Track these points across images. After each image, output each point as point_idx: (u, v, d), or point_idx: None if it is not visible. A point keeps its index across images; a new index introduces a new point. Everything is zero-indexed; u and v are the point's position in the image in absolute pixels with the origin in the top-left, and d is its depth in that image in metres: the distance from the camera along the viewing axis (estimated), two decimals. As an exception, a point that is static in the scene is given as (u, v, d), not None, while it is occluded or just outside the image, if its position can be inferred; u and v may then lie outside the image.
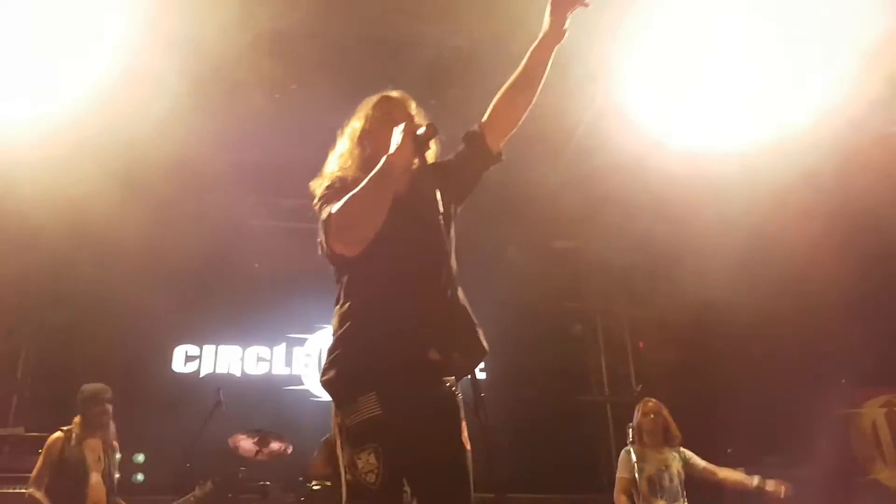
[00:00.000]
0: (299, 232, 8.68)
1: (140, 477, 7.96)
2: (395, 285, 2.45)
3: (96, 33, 5.44)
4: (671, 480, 4.62)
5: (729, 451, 6.97)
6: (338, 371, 2.38)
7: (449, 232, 2.62)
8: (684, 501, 4.63)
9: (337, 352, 2.44)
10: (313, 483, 5.59)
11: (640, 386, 9.37)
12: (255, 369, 8.86)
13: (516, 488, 8.21)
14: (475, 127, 2.81)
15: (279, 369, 8.91)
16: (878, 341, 6.81)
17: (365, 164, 2.68)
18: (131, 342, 8.44)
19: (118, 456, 5.58)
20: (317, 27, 5.98)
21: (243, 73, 6.19)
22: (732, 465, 6.84)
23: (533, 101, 2.73)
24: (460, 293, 2.39)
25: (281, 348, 8.99)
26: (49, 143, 6.28)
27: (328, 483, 5.68)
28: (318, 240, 2.70)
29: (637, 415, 4.92)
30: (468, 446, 2.42)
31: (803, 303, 7.51)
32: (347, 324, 2.46)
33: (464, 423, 2.43)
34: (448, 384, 2.43)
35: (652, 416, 4.82)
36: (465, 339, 2.32)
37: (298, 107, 6.75)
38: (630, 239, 9.59)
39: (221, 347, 8.87)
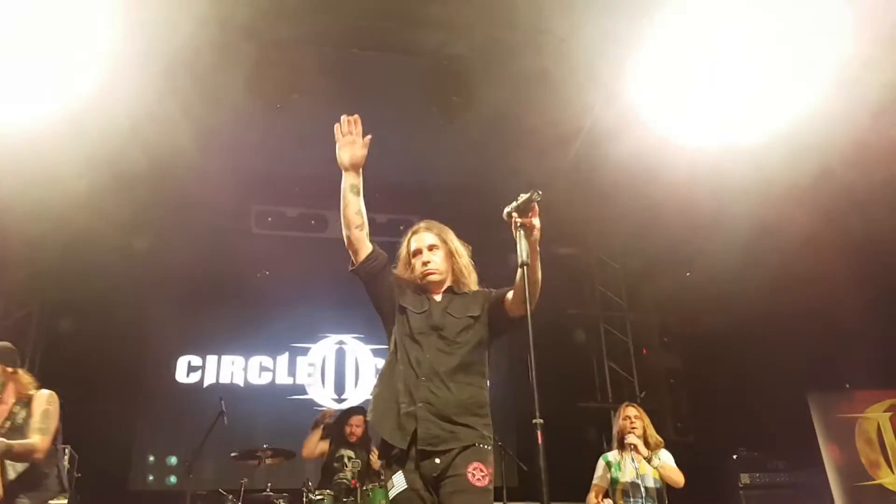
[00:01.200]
0: (303, 241, 8.73)
1: (173, 479, 7.95)
2: None
3: (88, 42, 5.44)
4: (646, 488, 4.56)
5: (734, 456, 6.97)
6: None
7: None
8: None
9: None
10: (316, 494, 5.57)
11: (644, 392, 9.35)
12: (259, 379, 8.85)
13: (519, 496, 8.19)
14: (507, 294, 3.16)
15: (282, 379, 8.91)
16: (882, 344, 6.79)
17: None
18: (135, 353, 8.46)
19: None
20: (317, 37, 6.01)
21: (246, 84, 6.22)
22: (739, 469, 6.87)
23: (537, 296, 2.99)
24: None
25: (284, 358, 8.99)
26: (47, 147, 6.27)
27: (331, 492, 5.66)
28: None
29: (617, 420, 4.87)
30: None
31: (807, 306, 7.49)
32: None
33: None
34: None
35: (631, 422, 4.77)
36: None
37: (301, 116, 6.77)
38: (632, 244, 9.61)
39: (224, 357, 8.86)
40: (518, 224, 2.74)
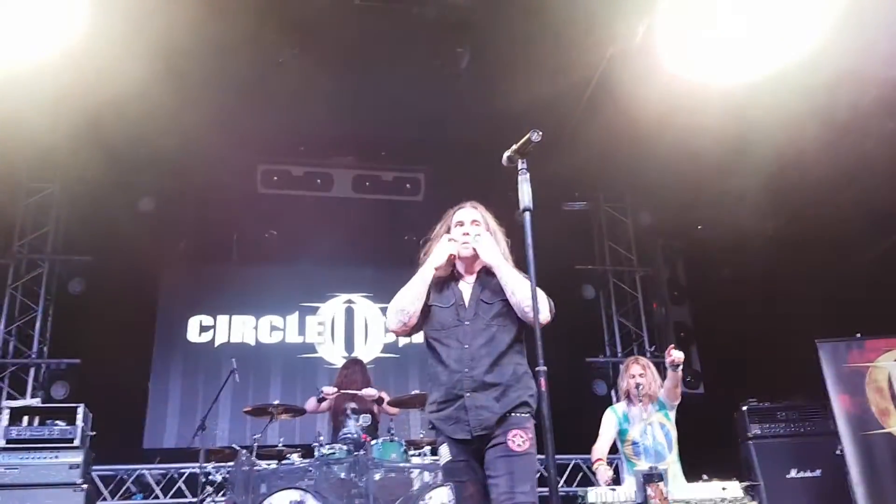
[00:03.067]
0: (310, 200, 8.69)
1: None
2: None
3: None
4: (655, 439, 4.57)
5: (744, 407, 6.99)
6: None
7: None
8: (672, 457, 4.57)
9: None
10: (327, 448, 5.63)
11: (654, 346, 9.38)
12: (269, 338, 8.92)
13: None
14: None
15: (292, 337, 8.97)
16: (894, 291, 6.73)
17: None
18: (147, 313, 8.53)
19: None
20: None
21: (247, 39, 6.11)
22: (749, 420, 6.89)
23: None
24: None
25: (294, 317, 9.04)
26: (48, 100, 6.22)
27: (343, 446, 5.71)
28: None
29: (623, 375, 4.85)
30: None
31: (817, 255, 7.44)
32: None
33: None
34: None
35: (638, 375, 4.75)
36: None
37: (304, 72, 6.68)
38: (641, 198, 9.53)
39: (235, 317, 8.92)
40: None
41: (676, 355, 4.46)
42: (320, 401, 6.24)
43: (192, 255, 8.88)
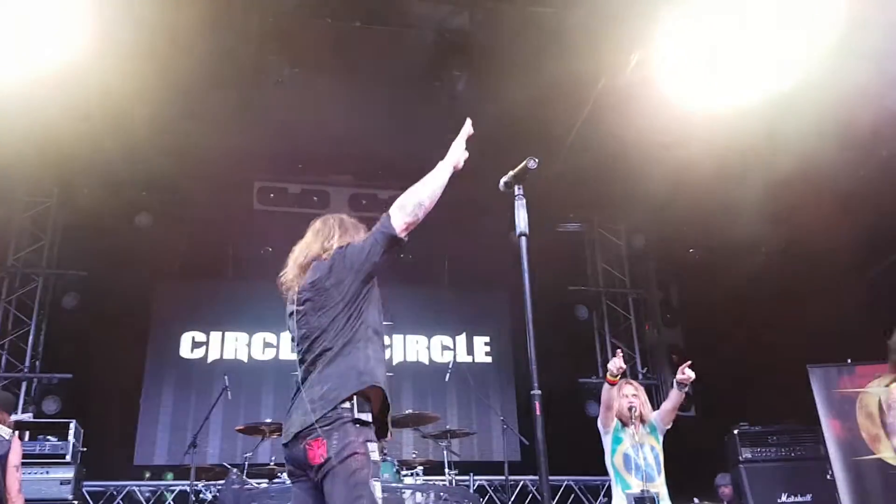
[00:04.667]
0: (306, 218, 8.70)
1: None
2: None
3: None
4: (646, 459, 4.58)
5: (735, 431, 7.01)
6: None
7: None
8: (661, 480, 4.57)
9: None
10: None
11: (646, 369, 9.40)
12: (262, 355, 8.90)
13: (521, 470, 8.28)
14: None
15: (286, 355, 8.95)
16: (884, 318, 6.78)
17: None
18: (139, 328, 8.51)
19: None
20: (318, 10, 5.95)
21: (248, 57, 6.18)
22: (740, 443, 6.92)
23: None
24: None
25: (287, 334, 9.00)
26: (46, 113, 6.26)
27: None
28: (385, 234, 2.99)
29: (617, 394, 4.85)
30: None
31: (810, 281, 7.50)
32: None
33: None
34: None
35: (632, 395, 4.77)
36: None
37: (303, 91, 6.74)
38: (635, 221, 9.60)
39: (228, 334, 8.91)
40: None
41: (690, 374, 4.48)
42: None
43: (187, 270, 8.86)
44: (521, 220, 2.75)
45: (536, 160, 2.70)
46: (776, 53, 5.61)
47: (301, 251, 3.19)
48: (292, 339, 3.04)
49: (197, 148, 7.39)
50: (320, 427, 2.60)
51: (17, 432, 4.77)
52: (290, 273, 3.17)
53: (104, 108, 6.37)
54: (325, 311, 2.88)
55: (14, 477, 4.52)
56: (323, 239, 3.17)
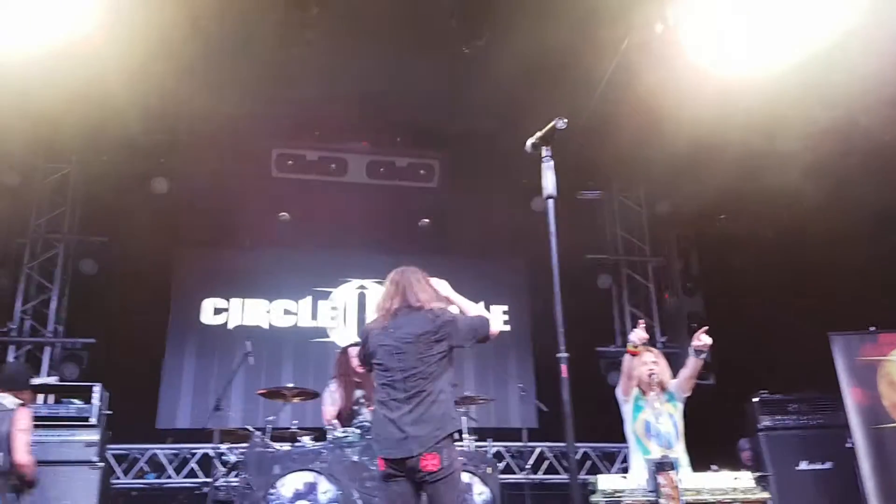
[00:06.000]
0: (324, 185, 8.71)
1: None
2: None
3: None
4: (664, 427, 4.59)
5: (755, 399, 6.99)
6: None
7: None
8: (680, 447, 4.58)
9: None
10: (341, 431, 5.67)
11: (666, 337, 9.37)
12: (282, 322, 8.98)
13: (541, 437, 8.33)
14: None
15: (305, 322, 9.03)
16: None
17: None
18: (161, 295, 8.59)
19: None
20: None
21: (267, 22, 6.11)
22: (760, 412, 6.91)
23: None
24: None
25: (307, 301, 9.09)
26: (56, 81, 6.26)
27: (356, 430, 5.76)
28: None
29: (636, 364, 4.83)
30: None
31: (832, 248, 7.40)
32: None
33: None
34: None
35: (651, 362, 4.75)
36: None
37: (321, 56, 6.68)
38: (655, 188, 9.50)
39: (248, 301, 8.98)
40: None
41: (706, 340, 4.46)
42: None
43: (206, 238, 8.92)
44: (549, 182, 2.71)
45: (565, 120, 2.65)
46: (811, 11, 5.46)
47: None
48: (383, 368, 3.70)
49: (215, 113, 7.37)
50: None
51: (24, 403, 4.84)
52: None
53: (121, 76, 6.34)
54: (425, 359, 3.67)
55: (20, 439, 4.60)
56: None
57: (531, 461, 8.37)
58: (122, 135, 7.40)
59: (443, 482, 3.45)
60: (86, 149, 8.10)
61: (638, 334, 4.42)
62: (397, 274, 4.03)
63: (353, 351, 6.13)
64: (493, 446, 7.36)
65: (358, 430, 5.46)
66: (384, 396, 3.64)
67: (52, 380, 7.10)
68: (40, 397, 6.33)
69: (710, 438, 6.04)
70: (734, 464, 7.14)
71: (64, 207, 8.48)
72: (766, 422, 6.87)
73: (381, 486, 3.65)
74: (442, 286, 4.09)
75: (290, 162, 8.57)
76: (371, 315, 4.08)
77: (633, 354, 4.50)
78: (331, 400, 5.89)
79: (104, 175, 8.01)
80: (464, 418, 6.39)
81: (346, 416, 5.97)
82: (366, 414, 5.51)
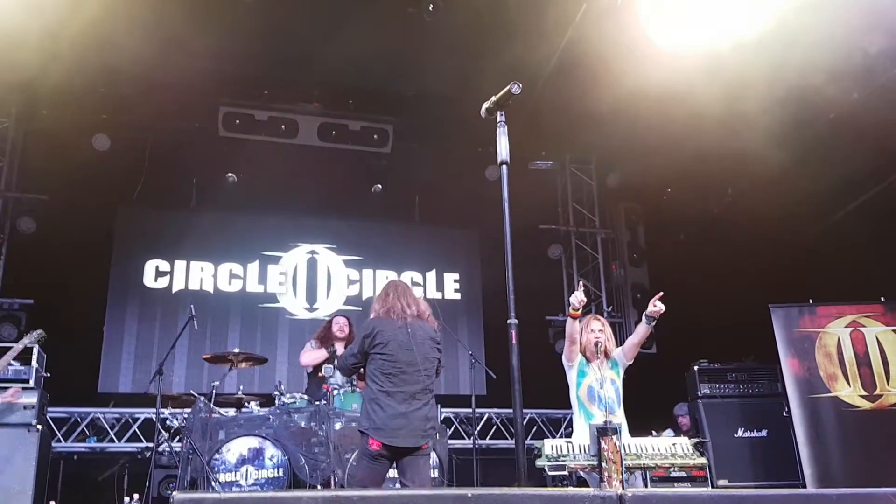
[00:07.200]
0: (273, 147, 8.50)
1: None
2: None
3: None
4: (607, 393, 4.71)
5: (696, 367, 7.19)
6: None
7: None
8: (620, 412, 4.72)
9: None
10: (288, 396, 5.65)
11: (612, 307, 9.54)
12: (229, 286, 8.79)
13: (486, 403, 8.43)
14: None
15: (253, 287, 8.86)
16: (845, 260, 6.95)
17: None
18: (101, 255, 8.33)
19: None
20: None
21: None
22: (700, 380, 7.12)
23: None
24: None
25: (254, 266, 8.91)
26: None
27: (304, 396, 5.75)
28: None
29: (584, 330, 4.91)
30: None
31: (773, 224, 7.61)
32: None
33: None
34: None
35: (598, 331, 4.84)
36: None
37: (272, 14, 6.48)
38: (608, 161, 9.58)
39: (193, 263, 8.76)
40: None
41: (660, 307, 4.55)
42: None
43: (149, 197, 8.60)
44: (504, 147, 2.69)
45: (520, 85, 2.62)
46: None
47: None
48: (393, 359, 4.09)
49: (160, 70, 7.11)
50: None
51: None
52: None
53: (63, 27, 6.06)
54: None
55: None
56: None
57: (479, 426, 8.48)
58: (64, 88, 7.08)
59: (424, 458, 4.10)
60: (25, 102, 7.75)
61: (577, 296, 4.50)
62: (401, 285, 4.57)
63: (341, 320, 6.38)
64: (443, 412, 7.44)
65: (305, 397, 5.44)
66: (391, 387, 4.02)
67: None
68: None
69: (651, 405, 6.21)
70: (674, 425, 7.38)
71: (2, 163, 8.09)
72: (705, 389, 7.09)
73: (365, 462, 4.01)
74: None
75: (237, 121, 8.28)
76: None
77: (574, 317, 4.57)
78: (311, 348, 6.22)
79: (44, 130, 7.69)
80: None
81: (316, 367, 6.00)
82: (328, 368, 5.52)
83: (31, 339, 5.57)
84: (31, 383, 6.01)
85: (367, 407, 4.07)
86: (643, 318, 4.65)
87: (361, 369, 4.30)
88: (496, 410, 8.75)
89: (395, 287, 4.46)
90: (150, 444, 6.83)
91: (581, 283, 4.69)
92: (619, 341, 5.09)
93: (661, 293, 4.64)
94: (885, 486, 2.02)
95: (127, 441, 7.79)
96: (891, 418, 6.35)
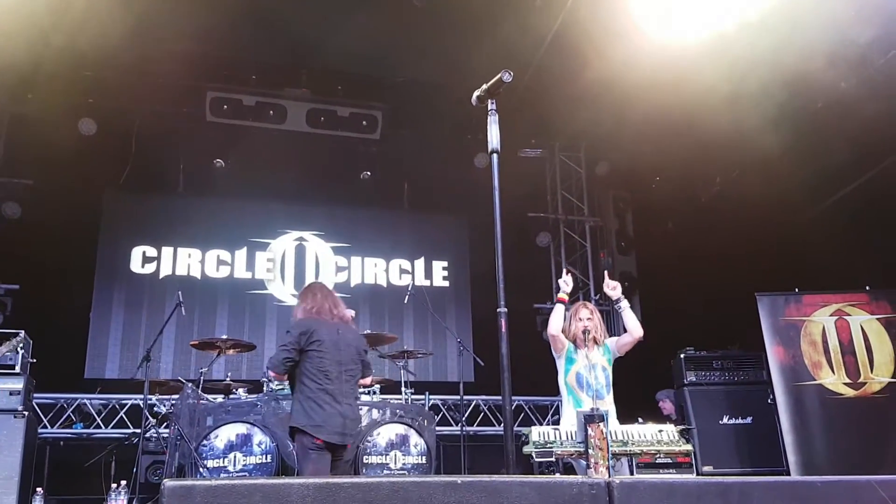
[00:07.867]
0: (261, 132, 8.44)
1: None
2: None
3: None
4: (597, 379, 4.74)
5: (682, 355, 7.24)
6: None
7: None
8: (609, 399, 4.75)
9: None
10: (276, 384, 5.64)
11: (599, 296, 9.58)
12: (216, 272, 8.75)
13: (474, 390, 8.46)
14: None
15: (240, 273, 8.82)
16: (831, 250, 7.00)
17: None
18: (88, 240, 8.26)
19: None
20: None
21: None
22: (686, 367, 7.17)
23: None
24: None
25: (242, 252, 8.87)
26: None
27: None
28: None
29: (572, 318, 4.94)
30: None
31: (760, 213, 7.66)
32: None
33: None
34: None
35: (587, 318, 4.86)
36: None
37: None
38: (597, 149, 9.59)
39: (181, 249, 8.70)
40: None
41: (614, 283, 4.65)
42: None
43: (136, 182, 8.53)
44: (494, 135, 2.68)
45: (511, 73, 2.61)
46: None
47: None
48: (328, 356, 4.20)
49: (147, 53, 7.03)
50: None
51: None
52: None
53: (49, 10, 5.98)
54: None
55: None
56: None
57: (467, 413, 8.52)
58: (50, 72, 7.00)
59: (347, 452, 4.43)
60: (11, 86, 7.63)
61: (565, 280, 4.57)
62: (325, 287, 4.65)
63: None
64: (431, 399, 7.46)
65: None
66: (328, 385, 4.12)
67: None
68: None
69: (638, 392, 6.25)
70: (658, 417, 7.44)
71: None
72: (691, 377, 7.14)
73: (313, 455, 4.06)
74: None
75: (225, 106, 8.20)
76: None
77: (562, 302, 4.62)
78: None
79: (30, 114, 7.59)
80: (402, 371, 6.46)
81: None
82: None
83: (9, 346, 5.56)
84: (17, 369, 5.97)
85: (303, 405, 4.10)
86: (618, 307, 4.76)
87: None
88: (484, 397, 8.79)
89: (320, 288, 4.57)
90: (138, 431, 6.81)
91: (566, 270, 4.75)
92: (609, 330, 5.13)
93: (605, 271, 4.88)
94: (869, 473, 2.05)
95: (114, 427, 7.77)
96: (874, 406, 6.43)
